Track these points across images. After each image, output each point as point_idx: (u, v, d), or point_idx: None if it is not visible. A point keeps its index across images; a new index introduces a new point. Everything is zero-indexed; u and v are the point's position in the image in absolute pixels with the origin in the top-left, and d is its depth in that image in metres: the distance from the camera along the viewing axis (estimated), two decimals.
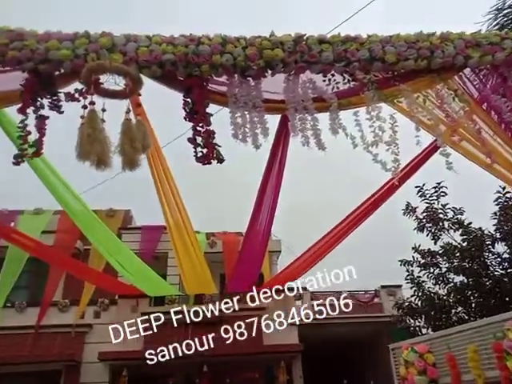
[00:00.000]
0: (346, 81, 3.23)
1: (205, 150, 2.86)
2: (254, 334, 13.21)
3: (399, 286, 14.49)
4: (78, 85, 2.85)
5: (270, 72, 3.05)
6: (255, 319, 13.50)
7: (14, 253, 14.13)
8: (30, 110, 2.78)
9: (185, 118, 2.94)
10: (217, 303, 13.86)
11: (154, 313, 13.16)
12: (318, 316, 13.78)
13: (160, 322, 12.95)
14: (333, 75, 3.18)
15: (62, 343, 12.47)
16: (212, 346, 12.76)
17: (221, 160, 2.90)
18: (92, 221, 10.52)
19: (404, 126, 3.42)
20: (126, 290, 13.35)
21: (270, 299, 13.92)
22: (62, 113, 2.86)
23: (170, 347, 12.52)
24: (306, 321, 13.60)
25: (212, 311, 13.31)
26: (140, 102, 3.20)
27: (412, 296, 10.51)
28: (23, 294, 14.32)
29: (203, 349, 12.51)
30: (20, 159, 2.78)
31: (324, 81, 3.20)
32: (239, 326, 13.25)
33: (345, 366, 13.12)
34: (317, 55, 3.02)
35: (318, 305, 14.11)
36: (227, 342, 12.89)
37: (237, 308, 13.56)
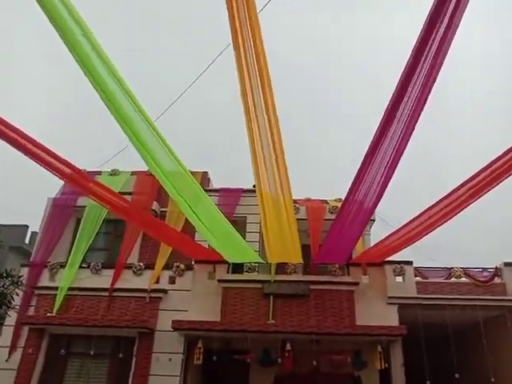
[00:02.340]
0: None
1: None
2: (345, 312, 11.40)
3: None
4: None
5: None
6: (347, 295, 11.64)
7: (91, 213, 13.65)
8: None
9: None
10: (300, 274, 12.24)
11: (233, 281, 11.84)
12: (422, 296, 11.61)
13: (239, 292, 11.62)
14: None
15: (136, 308, 11.66)
16: (296, 322, 11.20)
17: None
18: (184, 181, 9.27)
19: None
20: (203, 254, 12.27)
21: (365, 274, 12.01)
22: None
23: (249, 320, 11.22)
24: (408, 301, 11.46)
25: (297, 283, 11.69)
26: None
27: None
28: (101, 255, 13.88)
29: (287, 324, 10.99)
30: None
31: None
32: (328, 302, 11.51)
33: (455, 356, 10.80)
34: None
35: (422, 282, 11.90)
36: (314, 319, 11.22)
37: (324, 281, 11.85)
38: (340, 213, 10.00)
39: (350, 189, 8.70)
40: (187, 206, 9.59)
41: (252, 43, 4.92)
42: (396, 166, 7.66)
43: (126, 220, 12.67)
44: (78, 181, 10.24)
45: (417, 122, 6.60)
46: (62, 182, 14.13)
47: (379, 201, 8.92)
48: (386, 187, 8.34)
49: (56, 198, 14.11)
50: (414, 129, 6.78)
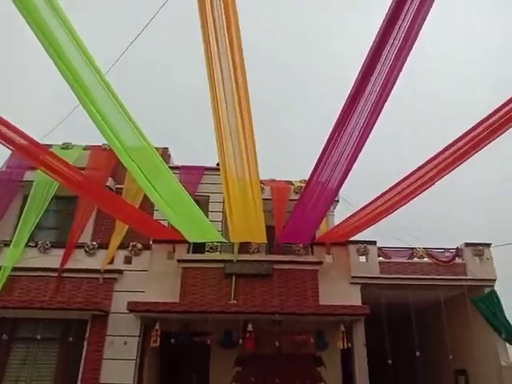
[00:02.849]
0: None
1: None
2: (308, 292, 11.17)
3: (488, 245, 11.89)
4: None
5: None
6: (310, 274, 11.41)
7: (39, 188, 12.58)
8: None
9: None
10: (263, 254, 11.87)
11: (193, 261, 11.31)
12: (385, 275, 11.57)
13: (200, 272, 11.12)
14: None
15: (89, 290, 10.92)
16: (259, 302, 10.86)
17: None
18: (143, 151, 8.41)
19: None
20: (162, 233, 11.60)
21: (328, 254, 11.82)
22: None
23: (210, 300, 10.77)
24: (371, 280, 11.38)
25: (260, 262, 11.32)
26: None
27: None
28: (51, 234, 12.92)
29: (249, 304, 10.62)
30: None
31: None
32: (292, 282, 11.23)
33: (416, 335, 10.85)
34: None
35: (385, 262, 11.85)
36: (278, 299, 10.92)
37: (288, 260, 11.56)
38: (304, 193, 9.65)
39: (313, 169, 8.34)
40: (145, 179, 8.88)
41: None
42: (361, 148, 7.36)
43: (80, 195, 11.77)
44: (28, 151, 9.23)
45: (385, 102, 6.26)
46: (6, 155, 13.02)
47: (343, 182, 8.66)
48: (350, 169, 8.06)
49: (0, 172, 12.95)
50: (382, 109, 6.44)
